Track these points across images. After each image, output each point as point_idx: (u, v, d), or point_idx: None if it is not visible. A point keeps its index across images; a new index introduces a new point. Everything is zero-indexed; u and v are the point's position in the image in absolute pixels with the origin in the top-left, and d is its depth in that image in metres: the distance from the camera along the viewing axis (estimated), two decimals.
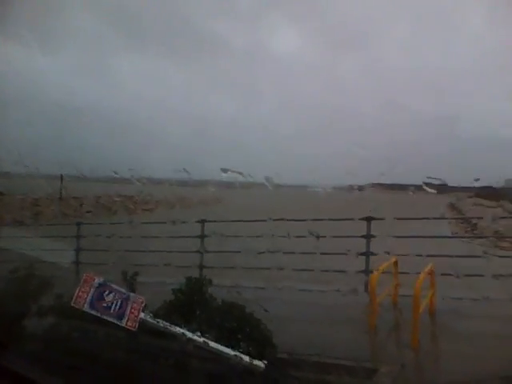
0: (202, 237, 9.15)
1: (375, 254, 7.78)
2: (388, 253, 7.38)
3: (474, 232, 30.04)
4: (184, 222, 10.23)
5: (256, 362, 2.30)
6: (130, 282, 3.79)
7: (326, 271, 8.54)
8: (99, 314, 2.17)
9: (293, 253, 9.10)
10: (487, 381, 3.90)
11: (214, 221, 9.96)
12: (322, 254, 8.49)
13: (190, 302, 3.85)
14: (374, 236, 7.96)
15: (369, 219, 8.01)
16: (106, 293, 2.25)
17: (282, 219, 9.27)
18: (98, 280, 2.24)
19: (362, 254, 7.92)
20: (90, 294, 2.20)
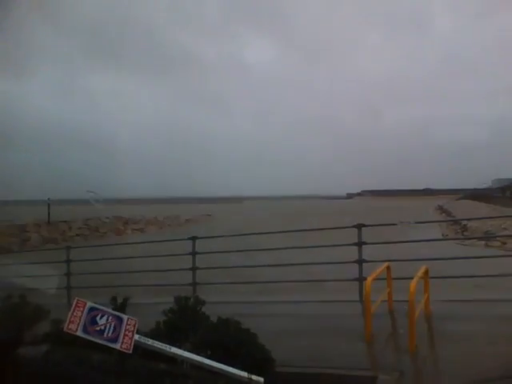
0: (194, 254, 9.08)
1: (367, 261, 7.78)
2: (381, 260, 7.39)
3: (465, 233, 30.32)
4: (174, 240, 10.18)
5: (255, 378, 2.28)
6: (121, 307, 3.73)
7: (320, 281, 8.55)
8: (93, 339, 2.13)
9: (281, 265, 9.12)
10: (487, 382, 3.91)
11: (205, 237, 9.92)
12: (315, 263, 8.50)
13: (183, 322, 3.81)
14: (365, 243, 7.96)
15: (359, 227, 8.02)
16: (99, 317, 2.22)
17: (269, 232, 9.29)
18: (89, 304, 2.21)
19: (354, 262, 7.91)
20: (82, 319, 2.17)
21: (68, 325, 2.13)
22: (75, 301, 2.23)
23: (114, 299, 3.76)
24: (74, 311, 2.18)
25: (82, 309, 2.20)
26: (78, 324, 2.15)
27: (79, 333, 2.12)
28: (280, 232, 9.43)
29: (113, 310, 3.93)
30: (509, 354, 4.69)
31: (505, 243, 21.50)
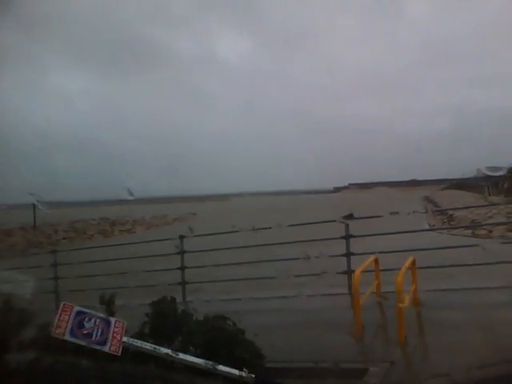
0: (182, 253, 9.05)
1: (355, 254, 7.82)
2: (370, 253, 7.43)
3: (451, 223, 30.60)
4: (162, 240, 10.12)
5: (246, 374, 2.27)
6: (108, 306, 3.72)
7: (309, 275, 8.57)
8: (81, 342, 2.12)
9: (273, 260, 9.13)
10: (476, 369, 3.95)
11: (193, 235, 9.88)
12: (303, 258, 8.51)
13: (171, 322, 3.79)
14: (353, 236, 8.00)
15: (347, 220, 8.07)
16: (86, 320, 2.21)
17: (257, 229, 9.28)
18: (76, 308, 2.19)
19: (343, 255, 7.95)
20: (69, 323, 2.15)
21: (55, 329, 2.11)
22: (62, 305, 2.21)
23: (102, 298, 3.76)
24: (60, 315, 2.16)
25: (68, 313, 2.19)
26: (66, 328, 2.13)
27: (67, 337, 2.10)
28: (265, 228, 9.45)
29: (100, 306, 3.93)
30: (498, 341, 4.75)
31: (491, 231, 21.75)
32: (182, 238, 9.12)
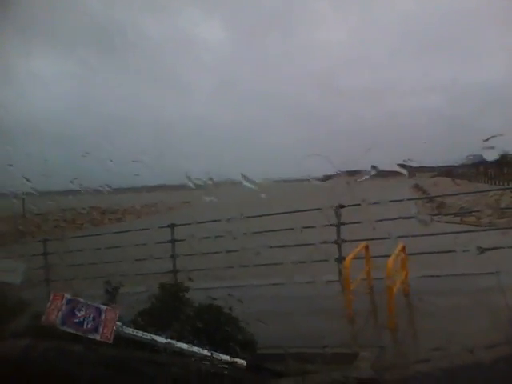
0: (173, 241, 9.07)
1: (346, 241, 7.87)
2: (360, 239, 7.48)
3: (441, 210, 30.85)
4: (148, 229, 10.11)
5: (237, 361, 2.28)
6: (112, 294, 3.75)
7: (300, 263, 8.61)
8: (72, 331, 2.11)
9: (263, 247, 9.14)
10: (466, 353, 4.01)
11: (183, 224, 9.88)
12: (294, 246, 8.55)
13: (165, 309, 3.81)
14: (344, 223, 8.05)
15: (338, 207, 8.09)
16: (77, 308, 2.20)
17: (245, 217, 9.28)
18: (66, 297, 2.18)
19: (333, 243, 8.00)
20: (60, 312, 2.14)
21: (46, 318, 2.10)
22: (52, 294, 2.20)
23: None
24: (51, 304, 2.15)
25: (59, 301, 2.18)
26: (56, 316, 2.12)
27: (58, 325, 2.10)
28: (258, 216, 9.46)
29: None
30: (486, 326, 4.82)
31: (480, 218, 21.98)
32: (172, 226, 9.14)
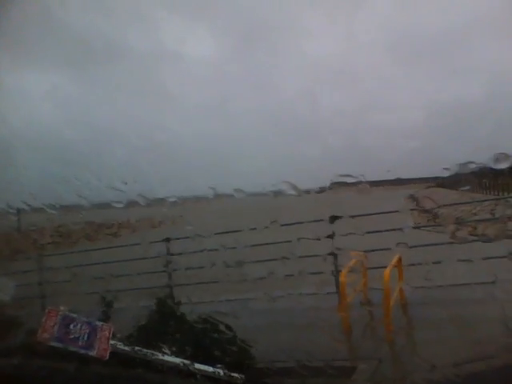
0: (169, 255, 9.03)
1: (341, 252, 7.85)
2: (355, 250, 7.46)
3: (436, 220, 30.89)
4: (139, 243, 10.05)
5: (235, 375, 2.27)
6: (106, 310, 3.73)
7: (296, 275, 8.58)
8: (67, 347, 2.09)
9: (258, 261, 9.11)
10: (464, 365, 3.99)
11: (178, 238, 9.84)
12: (285, 258, 8.53)
13: (160, 324, 3.79)
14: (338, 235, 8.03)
15: (332, 219, 8.10)
16: (72, 325, 2.18)
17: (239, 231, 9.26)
18: (62, 313, 2.16)
19: (329, 255, 7.98)
20: (55, 328, 2.13)
21: (41, 334, 2.08)
22: (47, 310, 2.19)
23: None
24: (46, 320, 2.14)
25: (54, 317, 2.16)
26: (52, 333, 2.10)
27: (53, 342, 2.08)
28: (252, 230, 9.42)
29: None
30: (485, 337, 4.81)
31: (475, 228, 22.03)
32: (167, 240, 9.11)
